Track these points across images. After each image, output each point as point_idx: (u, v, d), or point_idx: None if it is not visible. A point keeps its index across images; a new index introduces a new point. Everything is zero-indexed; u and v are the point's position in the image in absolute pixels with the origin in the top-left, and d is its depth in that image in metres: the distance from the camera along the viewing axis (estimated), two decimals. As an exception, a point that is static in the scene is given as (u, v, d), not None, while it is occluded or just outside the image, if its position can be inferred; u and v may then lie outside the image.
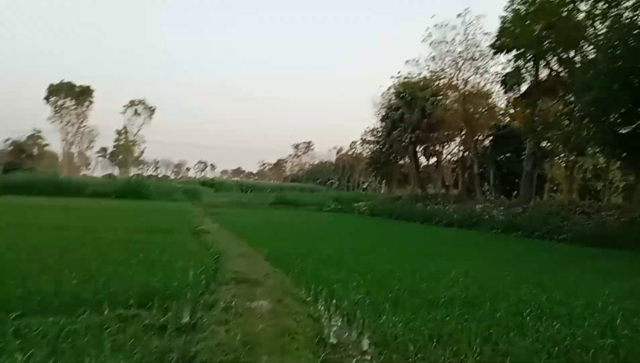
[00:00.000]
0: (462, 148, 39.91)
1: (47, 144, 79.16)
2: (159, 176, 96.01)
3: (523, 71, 27.11)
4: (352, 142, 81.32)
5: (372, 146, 44.16)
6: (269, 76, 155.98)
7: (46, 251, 6.93)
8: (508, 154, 33.39)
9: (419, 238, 14.90)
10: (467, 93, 31.93)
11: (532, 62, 26.18)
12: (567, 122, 24.13)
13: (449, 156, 42.65)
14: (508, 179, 31.32)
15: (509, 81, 28.36)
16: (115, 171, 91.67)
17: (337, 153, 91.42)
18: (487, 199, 28.68)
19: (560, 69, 25.76)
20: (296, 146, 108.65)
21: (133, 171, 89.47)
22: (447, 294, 5.63)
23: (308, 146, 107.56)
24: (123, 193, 33.50)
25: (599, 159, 32.22)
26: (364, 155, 58.96)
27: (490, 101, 33.36)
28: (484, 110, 32.83)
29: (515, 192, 28.73)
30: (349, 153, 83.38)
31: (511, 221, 19.45)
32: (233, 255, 8.07)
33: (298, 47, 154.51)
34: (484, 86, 32.50)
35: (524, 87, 28.11)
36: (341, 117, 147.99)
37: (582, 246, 14.59)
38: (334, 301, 5.40)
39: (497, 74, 29.98)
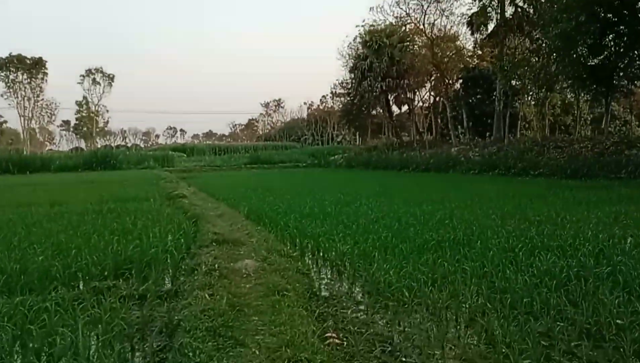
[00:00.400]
0: (433, 93, 39.79)
1: (5, 121, 75.94)
2: (128, 145, 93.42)
3: (489, 9, 26.72)
4: (323, 96, 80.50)
5: (342, 98, 43.56)
6: (235, 31, 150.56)
7: (9, 230, 6.48)
8: (479, 96, 33.44)
9: (398, 185, 14.84)
10: (434, 37, 31.46)
11: (497, 0, 25.79)
12: (535, 58, 24.10)
13: (421, 103, 42.52)
14: (481, 121, 31.47)
15: (476, 21, 27.98)
16: (82, 144, 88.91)
17: (308, 108, 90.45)
18: (462, 142, 28.86)
19: (525, 5, 25.46)
20: (266, 105, 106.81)
21: (100, 143, 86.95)
22: (436, 237, 5.50)
23: (278, 103, 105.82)
24: (91, 165, 32.43)
25: (567, 94, 32.60)
26: (336, 108, 58.34)
27: (457, 43, 33.03)
28: (452, 53, 32.51)
29: (489, 133, 28.96)
30: (321, 107, 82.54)
31: (487, 161, 19.61)
32: (212, 217, 7.77)
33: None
34: (451, 28, 32.11)
35: (490, 27, 27.83)
36: (309, 72, 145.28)
37: (559, 179, 14.85)
38: (322, 254, 5.23)
39: (463, 15, 29.53)
